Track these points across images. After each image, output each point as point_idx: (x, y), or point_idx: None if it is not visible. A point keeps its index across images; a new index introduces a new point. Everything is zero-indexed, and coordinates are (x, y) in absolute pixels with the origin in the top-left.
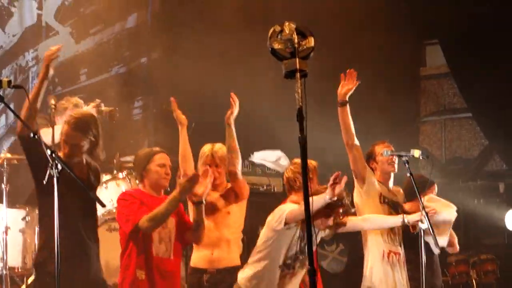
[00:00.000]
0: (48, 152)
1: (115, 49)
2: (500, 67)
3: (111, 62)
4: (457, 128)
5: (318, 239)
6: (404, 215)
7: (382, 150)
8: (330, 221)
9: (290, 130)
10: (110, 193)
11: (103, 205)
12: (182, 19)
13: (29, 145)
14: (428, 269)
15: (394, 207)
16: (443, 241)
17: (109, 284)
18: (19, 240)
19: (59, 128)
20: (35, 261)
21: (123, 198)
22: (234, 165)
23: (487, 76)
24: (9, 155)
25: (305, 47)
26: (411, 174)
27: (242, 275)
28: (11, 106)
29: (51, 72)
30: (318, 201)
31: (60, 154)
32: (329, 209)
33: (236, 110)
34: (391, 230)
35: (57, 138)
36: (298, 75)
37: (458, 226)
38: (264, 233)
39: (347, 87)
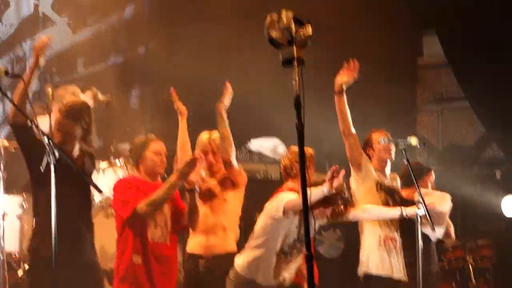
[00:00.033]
0: (46, 140)
1: (112, 39)
2: (498, 56)
3: (108, 52)
4: (454, 117)
5: (317, 227)
6: (402, 207)
7: (379, 138)
8: (328, 212)
9: (287, 118)
10: (107, 180)
11: (100, 191)
12: (179, 8)
13: (22, 133)
14: (424, 255)
15: (390, 194)
16: (439, 232)
17: (106, 270)
18: (16, 226)
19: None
20: (29, 247)
21: (120, 185)
22: (227, 153)
23: (484, 66)
24: (6, 143)
25: (302, 35)
26: (408, 161)
27: (239, 261)
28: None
29: (42, 62)
30: (316, 193)
31: None
32: (327, 201)
33: (228, 99)
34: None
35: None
36: (295, 63)
37: (455, 212)
38: (262, 220)
39: (345, 77)
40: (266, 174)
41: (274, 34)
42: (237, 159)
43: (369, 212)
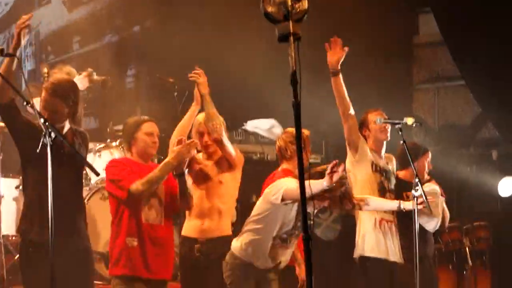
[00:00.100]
0: (41, 120)
1: (107, 18)
2: (494, 35)
3: (103, 30)
4: (450, 96)
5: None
6: (401, 201)
7: (375, 118)
8: (326, 203)
9: (283, 98)
10: (103, 161)
11: (97, 174)
12: None
13: (6, 113)
14: (421, 237)
15: (386, 175)
16: (434, 223)
17: (103, 253)
18: (12, 208)
19: None
20: (18, 230)
21: (113, 165)
22: (217, 132)
23: (481, 44)
24: (2, 124)
25: (298, 9)
26: (404, 142)
27: (237, 244)
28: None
29: (23, 41)
30: (316, 186)
31: None
32: (327, 192)
33: (201, 79)
34: (383, 197)
35: None
36: (291, 38)
37: (451, 193)
38: (260, 204)
39: (336, 55)
40: (263, 155)
41: (270, 8)
42: (233, 140)
43: (369, 204)
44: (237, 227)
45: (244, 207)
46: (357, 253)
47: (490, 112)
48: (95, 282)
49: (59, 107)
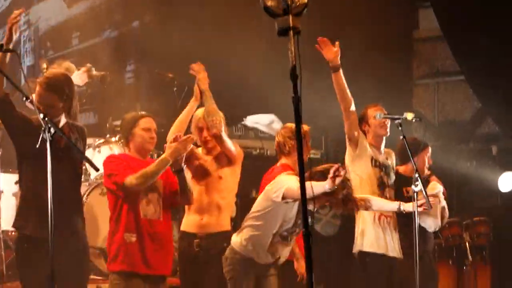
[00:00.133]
0: (41, 115)
1: (106, 13)
2: (494, 30)
3: (102, 26)
4: (450, 91)
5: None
6: (401, 203)
7: (375, 113)
8: (329, 202)
9: (283, 93)
10: (103, 156)
11: (96, 169)
12: None
13: (1, 109)
14: (421, 233)
15: (385, 171)
16: (435, 223)
17: (103, 248)
18: (12, 204)
19: None
20: (14, 225)
21: (110, 161)
22: (216, 128)
23: (481, 39)
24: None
25: (298, 3)
26: (404, 137)
27: (237, 239)
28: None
29: (15, 36)
30: (317, 189)
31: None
32: (328, 196)
33: (201, 75)
34: (382, 193)
35: None
36: (291, 32)
37: (451, 189)
38: (261, 201)
39: (330, 52)
40: (262, 150)
41: (270, 2)
42: (233, 135)
43: (372, 205)
44: (237, 222)
45: (243, 202)
46: (356, 249)
47: (490, 107)
48: (95, 277)
49: (54, 102)
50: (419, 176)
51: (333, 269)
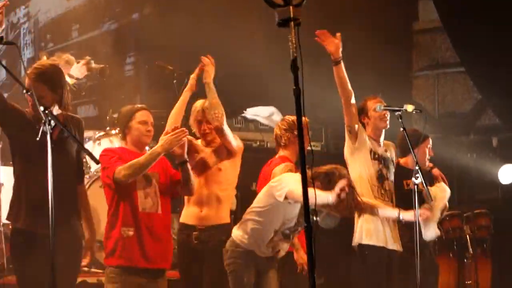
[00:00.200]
0: (41, 108)
1: (106, 5)
2: (494, 21)
3: (102, 18)
4: (450, 83)
5: None
6: (401, 211)
7: (375, 105)
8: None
9: (283, 85)
10: (103, 149)
11: (97, 162)
12: None
13: None
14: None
15: (384, 163)
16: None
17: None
18: None
19: None
20: (7, 218)
21: (104, 154)
22: (218, 121)
23: (480, 31)
24: None
25: None
26: (404, 129)
27: (238, 232)
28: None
29: (3, 25)
30: (321, 199)
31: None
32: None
33: (210, 68)
34: (382, 185)
35: None
36: (292, 23)
37: (451, 181)
38: (263, 196)
39: (332, 45)
40: (263, 142)
41: None
42: (233, 128)
43: (376, 212)
44: (237, 215)
45: (244, 194)
46: (355, 241)
47: (490, 98)
48: (96, 270)
49: (44, 93)
50: (420, 168)
51: (334, 262)
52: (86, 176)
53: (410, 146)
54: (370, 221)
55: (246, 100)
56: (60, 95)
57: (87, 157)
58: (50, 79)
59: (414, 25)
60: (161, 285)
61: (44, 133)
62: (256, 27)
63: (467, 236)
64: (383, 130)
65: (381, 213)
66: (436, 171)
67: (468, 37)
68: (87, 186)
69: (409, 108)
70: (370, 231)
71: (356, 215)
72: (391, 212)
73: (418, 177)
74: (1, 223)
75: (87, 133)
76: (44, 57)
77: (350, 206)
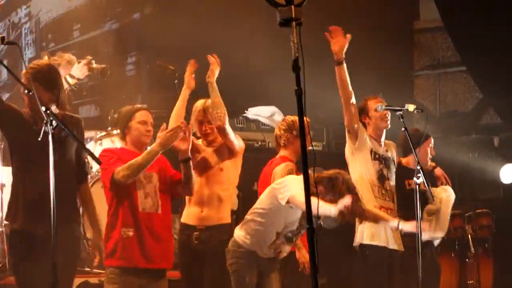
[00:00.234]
0: (43, 108)
1: (107, 5)
2: (495, 20)
3: (104, 17)
4: (451, 82)
5: None
6: (401, 222)
7: (375, 105)
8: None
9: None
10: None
11: (99, 162)
12: None
13: None
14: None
15: (385, 163)
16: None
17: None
18: None
19: None
20: (5, 219)
21: (103, 154)
22: (220, 120)
23: (481, 30)
24: None
25: None
26: (405, 128)
27: (240, 232)
28: (5, 63)
29: None
30: (323, 210)
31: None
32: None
33: (216, 68)
34: (382, 185)
35: None
36: (293, 23)
37: (453, 180)
38: (266, 198)
39: (339, 43)
40: (264, 142)
41: None
42: (234, 128)
43: (379, 222)
44: (239, 215)
45: (245, 195)
46: (357, 241)
47: (492, 98)
48: (99, 271)
49: (39, 92)
50: (421, 168)
51: (335, 262)
52: (87, 176)
53: (411, 146)
54: (372, 224)
55: (247, 100)
56: (56, 94)
57: (89, 157)
58: (46, 78)
59: (415, 24)
60: (162, 286)
61: (45, 133)
62: (257, 26)
63: (469, 235)
64: (384, 130)
65: (382, 223)
66: (438, 171)
67: (469, 36)
68: None
69: (411, 107)
70: (372, 233)
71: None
72: (392, 223)
73: (419, 177)
74: (3, 223)
75: (88, 133)
76: (46, 57)
77: (354, 214)
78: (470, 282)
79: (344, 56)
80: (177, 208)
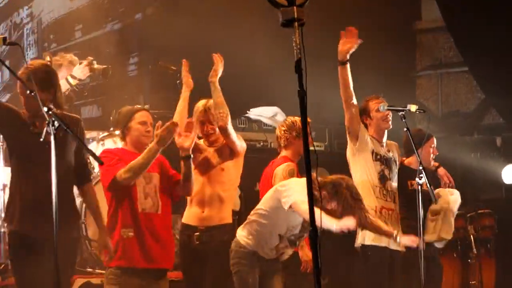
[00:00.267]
0: (45, 109)
1: (109, 5)
2: (497, 21)
3: (105, 18)
4: (454, 82)
5: None
6: (399, 234)
7: (377, 106)
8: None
9: (285, 85)
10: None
11: (101, 163)
12: None
13: None
14: (424, 226)
15: (387, 164)
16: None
17: None
18: None
19: None
20: (4, 220)
21: (103, 155)
22: (223, 121)
23: (483, 30)
24: None
25: None
26: (408, 129)
27: (243, 233)
28: (7, 63)
29: None
30: (325, 224)
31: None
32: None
33: (220, 68)
34: (384, 186)
35: None
36: (296, 24)
37: (455, 181)
38: (269, 199)
39: (348, 44)
40: (266, 143)
41: None
42: (236, 128)
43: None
44: (241, 216)
45: (247, 195)
46: (358, 242)
47: (494, 98)
48: (100, 271)
49: (37, 92)
50: (424, 168)
51: (337, 263)
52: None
53: (413, 146)
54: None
55: (249, 100)
56: (53, 94)
57: (91, 158)
58: (42, 78)
59: (417, 24)
60: (162, 286)
61: (47, 134)
62: (257, 26)
63: (471, 236)
64: (386, 131)
65: (380, 231)
66: (441, 170)
67: (471, 36)
68: None
69: (413, 108)
70: (373, 234)
71: None
72: (389, 233)
73: (421, 177)
74: (5, 224)
75: (90, 134)
76: (48, 57)
77: (358, 224)
78: (472, 282)
79: (348, 57)
80: (178, 208)
